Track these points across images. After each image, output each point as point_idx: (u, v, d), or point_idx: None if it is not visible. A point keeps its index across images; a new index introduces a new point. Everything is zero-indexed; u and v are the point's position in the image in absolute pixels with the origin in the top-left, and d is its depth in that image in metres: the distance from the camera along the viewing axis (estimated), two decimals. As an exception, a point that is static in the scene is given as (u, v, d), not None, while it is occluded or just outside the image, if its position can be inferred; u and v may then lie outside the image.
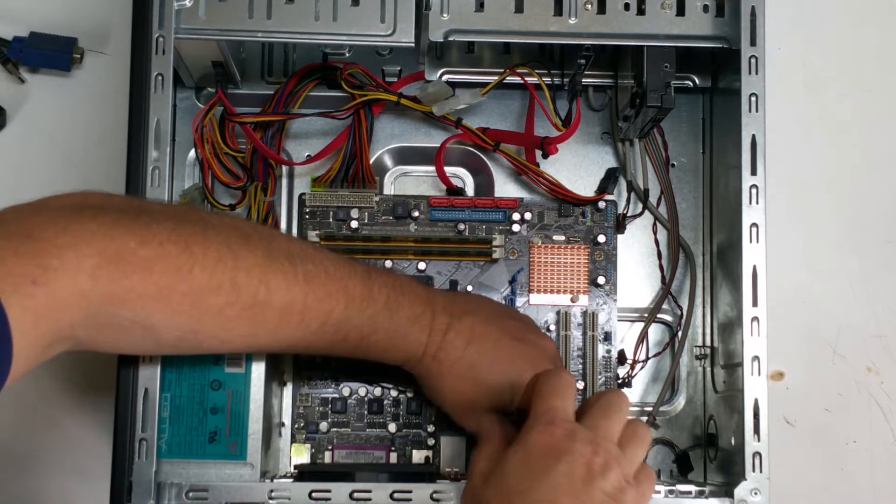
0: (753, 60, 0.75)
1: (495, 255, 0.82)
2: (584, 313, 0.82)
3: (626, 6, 0.75)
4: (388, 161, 0.86)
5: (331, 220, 0.82)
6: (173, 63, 0.72)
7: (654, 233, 0.86)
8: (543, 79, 0.82)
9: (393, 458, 0.81)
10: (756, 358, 0.73)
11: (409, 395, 0.81)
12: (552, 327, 0.82)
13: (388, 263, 0.82)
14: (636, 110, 0.79)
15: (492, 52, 0.85)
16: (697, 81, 0.86)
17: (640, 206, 0.85)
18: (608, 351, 0.82)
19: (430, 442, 0.81)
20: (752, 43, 0.75)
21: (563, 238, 0.83)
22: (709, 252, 0.85)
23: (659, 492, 0.74)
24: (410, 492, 0.71)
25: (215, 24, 0.74)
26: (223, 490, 0.71)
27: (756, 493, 0.72)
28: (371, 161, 0.84)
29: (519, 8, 0.75)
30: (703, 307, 0.85)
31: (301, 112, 0.82)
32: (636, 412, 0.84)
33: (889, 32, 0.93)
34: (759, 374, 0.73)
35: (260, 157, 0.81)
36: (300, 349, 0.71)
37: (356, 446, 0.81)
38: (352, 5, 0.74)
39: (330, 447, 0.81)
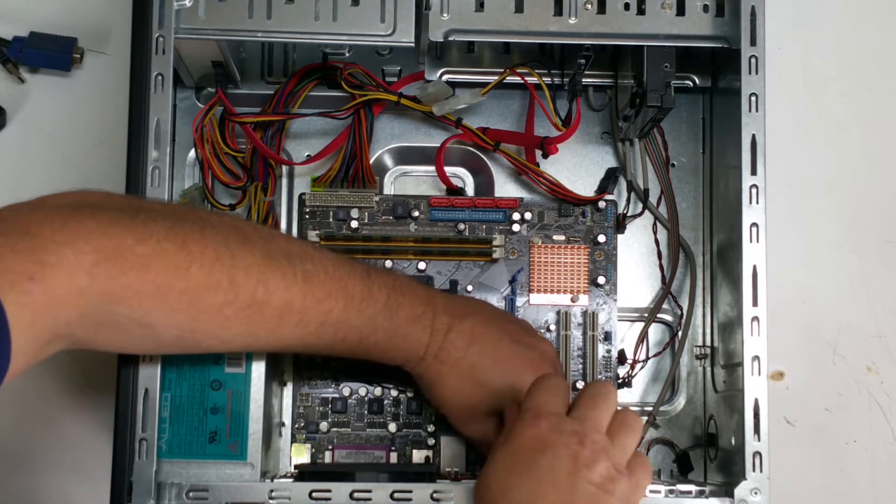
0: (753, 60, 0.74)
1: (495, 255, 0.82)
2: (585, 313, 0.82)
3: (626, 6, 0.75)
4: (388, 161, 0.86)
5: (331, 220, 0.82)
6: (173, 63, 0.72)
7: (654, 233, 0.86)
8: (543, 79, 0.82)
9: (393, 458, 0.81)
10: (756, 358, 0.73)
11: (410, 394, 0.81)
12: (552, 327, 0.82)
13: (388, 263, 0.82)
14: (636, 110, 0.80)
15: (492, 52, 0.85)
16: (697, 81, 0.86)
17: (640, 206, 0.85)
18: (608, 351, 0.82)
19: (431, 442, 0.81)
20: (752, 43, 0.75)
21: (563, 238, 0.83)
22: (709, 252, 0.85)
23: (659, 492, 0.74)
24: (411, 492, 0.71)
25: (215, 24, 0.74)
26: (223, 490, 0.71)
27: (756, 493, 0.72)
28: (371, 161, 0.84)
29: (519, 8, 0.75)
30: (703, 307, 0.85)
31: (301, 112, 0.82)
32: (636, 412, 0.84)
33: (889, 32, 0.93)
34: (760, 373, 0.73)
35: (260, 156, 0.81)
36: (300, 349, 0.71)
37: (356, 446, 0.81)
38: (352, 5, 0.74)
39: (330, 447, 0.81)
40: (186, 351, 0.68)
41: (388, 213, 0.82)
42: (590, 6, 0.75)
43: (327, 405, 0.81)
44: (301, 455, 0.81)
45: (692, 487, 0.75)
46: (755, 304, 0.73)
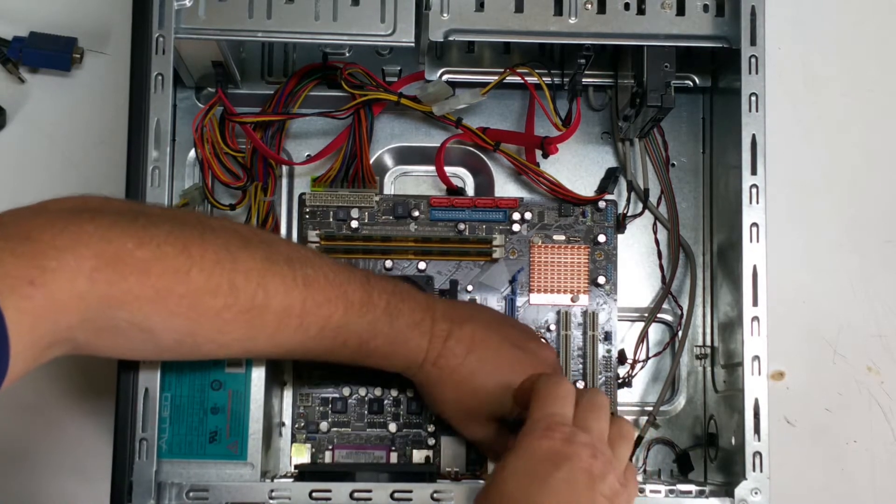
0: (753, 60, 0.75)
1: (495, 255, 0.82)
2: (585, 313, 0.82)
3: (626, 6, 0.75)
4: (388, 161, 0.86)
5: (331, 219, 0.82)
6: (173, 63, 0.72)
7: (655, 233, 0.86)
8: (543, 79, 0.82)
9: (393, 457, 0.81)
10: (756, 358, 0.73)
11: (409, 395, 0.81)
12: (552, 327, 0.82)
13: (388, 263, 0.82)
14: (636, 110, 0.80)
15: (492, 52, 0.85)
16: (697, 81, 0.86)
17: (640, 205, 0.85)
18: (608, 351, 0.82)
19: (431, 442, 0.81)
20: (752, 43, 0.75)
21: (563, 238, 0.83)
22: (709, 252, 0.85)
23: (659, 491, 0.74)
24: (411, 492, 0.71)
25: (215, 24, 0.74)
26: (223, 490, 0.71)
27: (756, 493, 0.72)
28: (371, 161, 0.84)
29: (519, 8, 0.75)
30: (704, 307, 0.85)
31: (301, 112, 0.82)
32: (636, 412, 0.84)
33: (889, 32, 0.93)
34: (760, 373, 0.73)
35: (260, 156, 0.81)
36: (299, 354, 0.70)
37: (356, 446, 0.81)
38: (352, 5, 0.74)
39: (330, 447, 0.81)
40: (186, 356, 0.68)
41: (389, 213, 0.82)
42: (590, 6, 0.75)
43: (327, 405, 0.81)
44: (301, 455, 0.81)
45: (692, 487, 0.75)
46: (755, 304, 0.73)
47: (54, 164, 0.88)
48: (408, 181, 0.86)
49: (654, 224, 0.86)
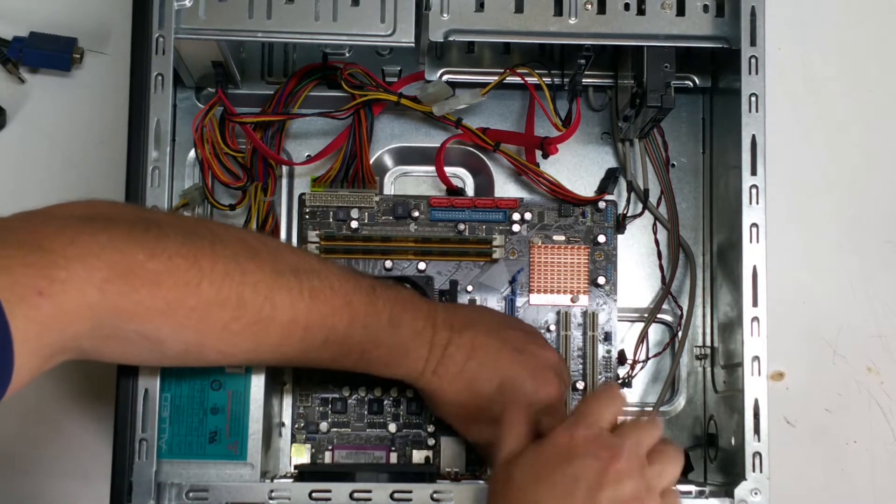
0: (753, 60, 0.74)
1: (495, 255, 0.82)
2: (585, 313, 0.82)
3: (626, 6, 0.75)
4: (388, 161, 0.86)
5: (331, 220, 0.82)
6: (173, 63, 0.72)
7: (654, 233, 0.86)
8: (543, 79, 0.82)
9: (393, 458, 0.81)
10: (756, 358, 0.73)
11: (409, 395, 0.81)
12: (552, 327, 0.82)
13: (388, 264, 0.82)
14: (636, 110, 0.79)
15: (492, 52, 0.85)
16: (697, 81, 0.86)
17: (640, 206, 0.85)
18: (608, 351, 0.82)
19: (431, 442, 0.81)
20: (752, 43, 0.75)
21: (563, 238, 0.83)
22: (709, 252, 0.85)
23: (659, 492, 0.74)
24: (410, 492, 0.71)
25: (215, 24, 0.73)
26: (223, 490, 0.71)
27: (756, 493, 0.72)
28: (371, 161, 0.84)
29: (519, 8, 0.75)
30: (703, 307, 0.85)
31: (301, 112, 0.82)
32: (636, 412, 0.84)
33: (889, 32, 0.93)
34: (760, 374, 0.73)
35: (260, 157, 0.81)
36: (302, 363, 0.70)
37: (356, 446, 0.81)
38: (352, 5, 0.74)
39: (330, 447, 0.81)
40: (190, 364, 0.68)
41: (388, 214, 0.82)
42: (590, 6, 0.75)
43: (327, 405, 0.81)
44: (301, 455, 0.81)
45: (692, 487, 0.75)
46: (755, 304, 0.73)
47: (54, 164, 0.88)
48: (408, 181, 0.86)
49: (654, 224, 0.86)
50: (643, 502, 0.62)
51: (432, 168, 0.84)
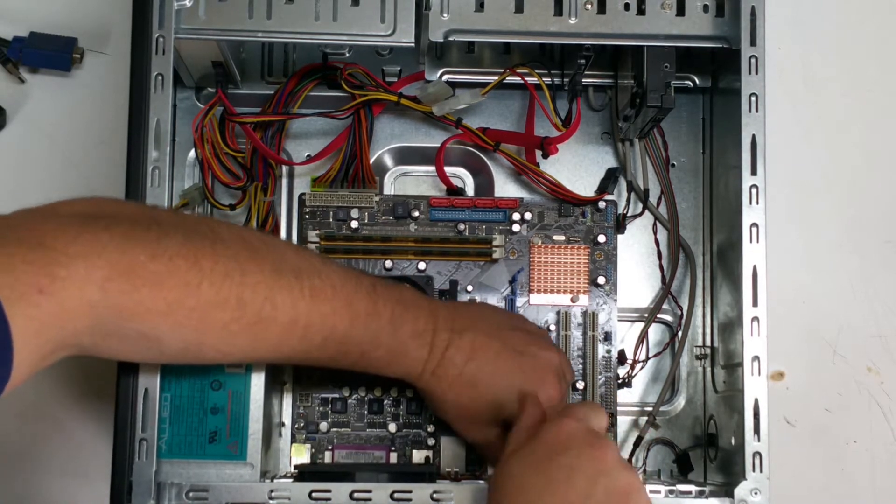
0: (753, 60, 0.74)
1: (495, 255, 0.82)
2: (585, 313, 0.82)
3: (626, 6, 0.75)
4: (388, 161, 0.86)
5: (331, 220, 0.82)
6: (173, 63, 0.72)
7: (654, 233, 0.86)
8: (543, 79, 0.82)
9: (393, 458, 0.81)
10: (756, 358, 0.73)
11: (409, 395, 0.81)
12: (552, 327, 0.82)
13: (388, 264, 0.82)
14: (636, 110, 0.79)
15: (492, 52, 0.85)
16: (697, 81, 0.86)
17: (640, 206, 0.85)
18: (608, 351, 0.82)
19: (430, 442, 0.81)
20: (752, 43, 0.75)
21: (563, 238, 0.83)
22: (709, 252, 0.85)
23: (659, 492, 0.74)
24: (410, 492, 0.71)
25: (215, 24, 0.74)
26: (223, 490, 0.71)
27: (756, 493, 0.72)
28: (371, 161, 0.84)
29: (519, 8, 0.75)
30: (703, 307, 0.85)
31: (301, 112, 0.82)
32: (636, 412, 0.84)
33: (889, 32, 0.93)
34: (760, 374, 0.73)
35: (260, 157, 0.81)
36: (301, 361, 0.70)
37: (356, 446, 0.81)
38: (352, 5, 0.74)
39: (330, 447, 0.81)
40: (189, 362, 0.68)
41: (388, 213, 0.82)
42: (590, 6, 0.75)
43: (327, 405, 0.81)
44: (301, 455, 0.81)
45: (692, 487, 0.75)
46: (755, 304, 0.73)
47: (54, 164, 0.88)
48: (408, 181, 0.86)
49: (654, 224, 0.86)
50: (637, 492, 0.63)
51: (432, 168, 0.84)
